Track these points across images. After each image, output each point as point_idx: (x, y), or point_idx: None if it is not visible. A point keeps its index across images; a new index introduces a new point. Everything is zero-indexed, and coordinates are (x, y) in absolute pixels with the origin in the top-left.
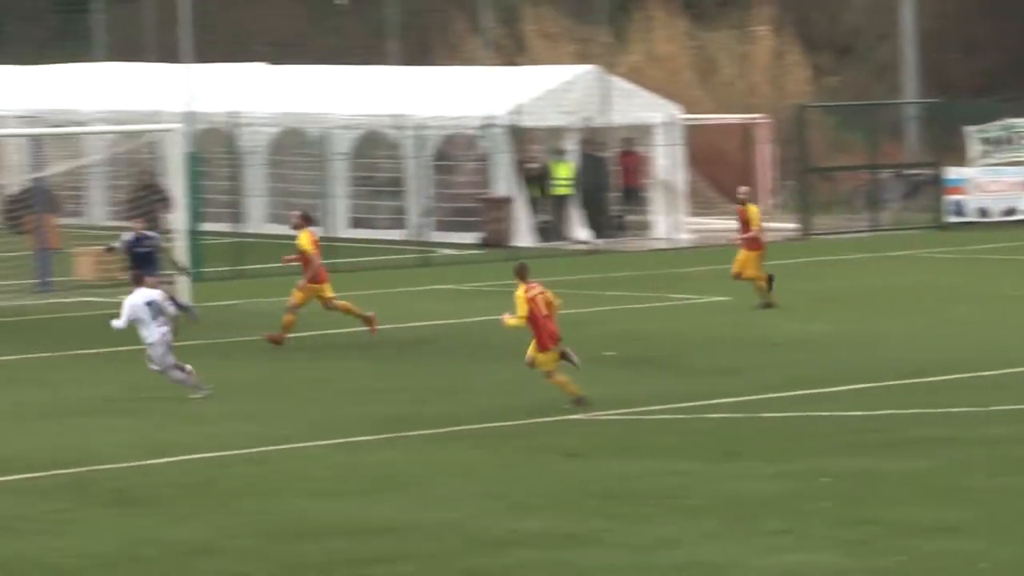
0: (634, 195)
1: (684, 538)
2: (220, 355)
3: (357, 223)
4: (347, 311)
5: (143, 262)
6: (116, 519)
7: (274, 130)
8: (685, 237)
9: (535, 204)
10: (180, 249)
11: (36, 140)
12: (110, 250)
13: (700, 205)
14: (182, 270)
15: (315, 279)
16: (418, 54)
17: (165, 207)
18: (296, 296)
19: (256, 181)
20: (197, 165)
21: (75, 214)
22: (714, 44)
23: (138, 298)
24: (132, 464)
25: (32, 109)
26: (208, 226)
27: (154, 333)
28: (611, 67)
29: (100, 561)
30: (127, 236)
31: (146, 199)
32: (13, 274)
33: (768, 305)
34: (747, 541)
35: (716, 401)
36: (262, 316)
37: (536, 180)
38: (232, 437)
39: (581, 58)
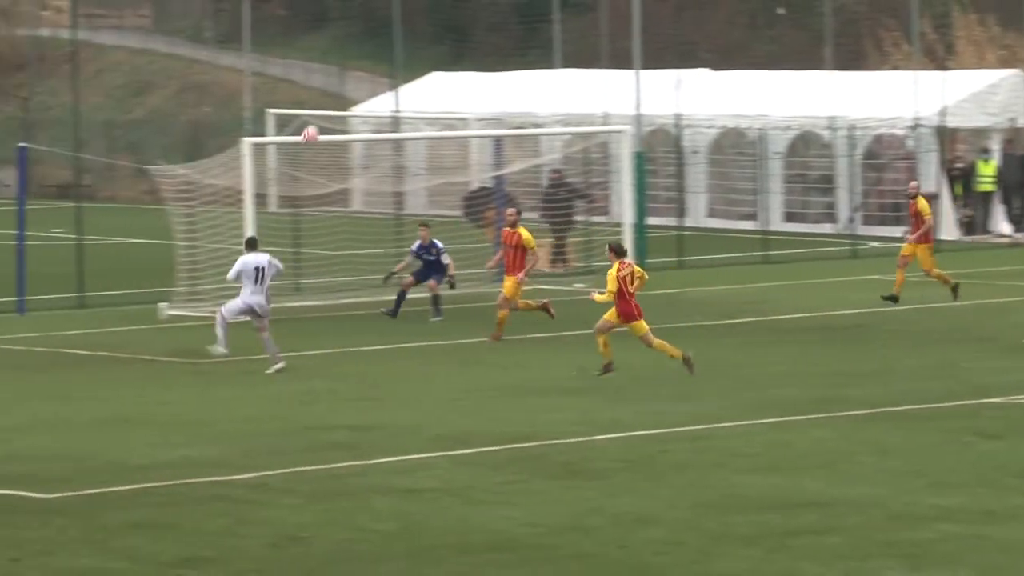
0: None
1: None
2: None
3: (790, 217)
4: (527, 308)
5: (429, 268)
6: (564, 491)
7: (715, 131)
8: None
9: (958, 200)
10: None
11: (497, 141)
12: (390, 276)
13: None
14: (450, 282)
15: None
16: (851, 59)
17: (581, 202)
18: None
19: (698, 178)
20: (644, 164)
21: (532, 209)
22: None
23: (250, 259)
24: (578, 440)
25: (494, 112)
26: (653, 220)
27: (247, 292)
28: None
29: (549, 530)
30: (414, 246)
31: (559, 196)
32: (475, 264)
33: (893, 298)
34: None
35: None
36: (702, 303)
37: (960, 177)
38: (670, 416)
39: (1006, 63)
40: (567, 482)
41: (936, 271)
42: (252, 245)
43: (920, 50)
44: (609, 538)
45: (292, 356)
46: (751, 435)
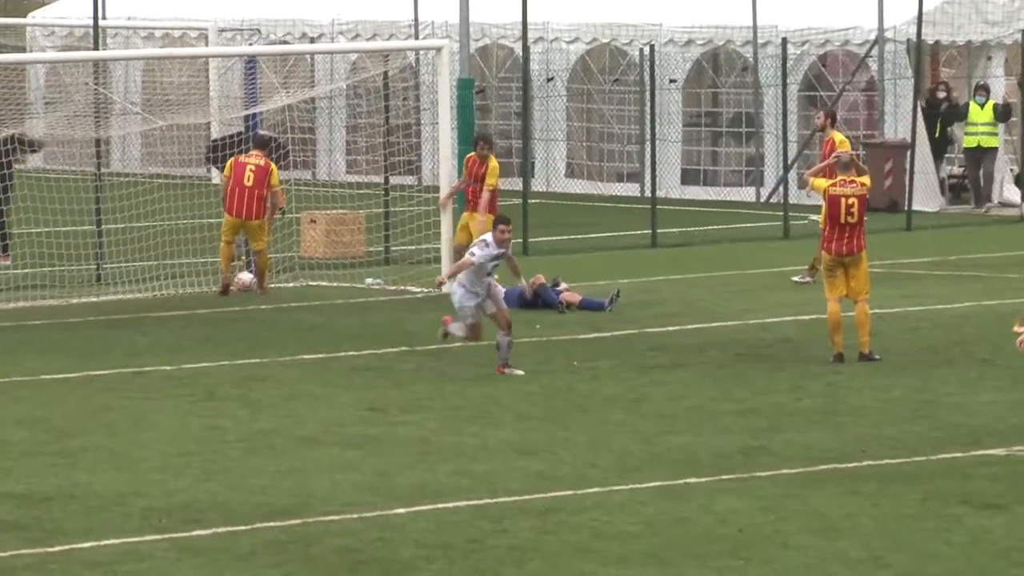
0: None
1: None
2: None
3: (689, 178)
4: None
5: None
6: None
7: (580, 48)
8: None
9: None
10: None
11: (251, 62)
12: None
13: None
14: None
15: None
16: None
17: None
18: None
19: (554, 119)
20: (472, 96)
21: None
22: None
23: None
24: (368, 515)
25: (247, 20)
26: None
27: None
28: None
29: None
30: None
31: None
32: None
33: None
34: None
35: None
36: None
37: (948, 118)
38: (509, 477)
39: None
40: None
41: None
42: None
43: None
44: None
45: None
46: (629, 506)
